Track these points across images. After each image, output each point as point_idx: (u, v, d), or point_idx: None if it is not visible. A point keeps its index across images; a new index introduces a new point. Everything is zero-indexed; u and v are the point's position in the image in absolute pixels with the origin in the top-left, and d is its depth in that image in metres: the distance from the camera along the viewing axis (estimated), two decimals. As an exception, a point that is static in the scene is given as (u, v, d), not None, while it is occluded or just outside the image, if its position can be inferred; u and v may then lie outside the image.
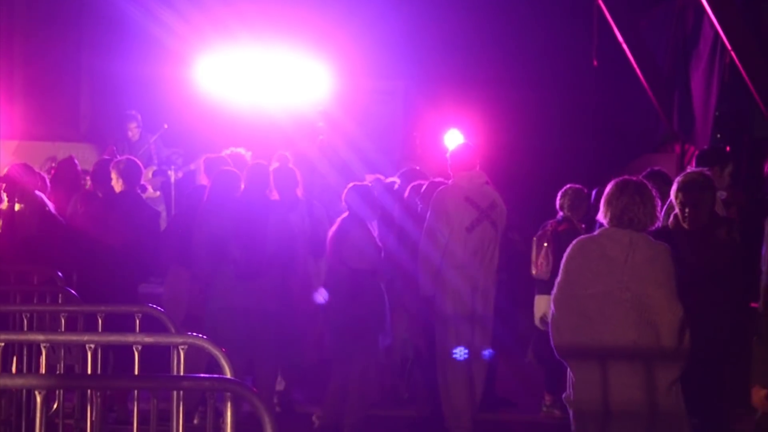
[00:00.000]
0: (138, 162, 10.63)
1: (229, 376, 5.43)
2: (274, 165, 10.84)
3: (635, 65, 15.44)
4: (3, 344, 5.65)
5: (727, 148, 14.10)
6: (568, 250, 7.22)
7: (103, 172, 10.75)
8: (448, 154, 10.14)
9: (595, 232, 7.31)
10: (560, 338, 7.12)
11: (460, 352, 9.66)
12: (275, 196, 10.02)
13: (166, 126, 15.36)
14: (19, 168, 10.50)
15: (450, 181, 9.93)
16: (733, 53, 13.51)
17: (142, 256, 10.22)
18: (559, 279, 7.19)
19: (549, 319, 7.23)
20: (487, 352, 9.85)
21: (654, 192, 7.19)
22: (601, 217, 7.23)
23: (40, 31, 17.41)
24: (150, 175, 14.65)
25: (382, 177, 11.13)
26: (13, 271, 9.44)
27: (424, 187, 10.24)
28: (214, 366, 5.61)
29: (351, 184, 10.07)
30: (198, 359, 9.42)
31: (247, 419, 5.64)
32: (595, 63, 15.87)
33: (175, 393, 5.78)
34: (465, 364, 9.72)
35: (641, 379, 6.99)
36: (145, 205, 10.68)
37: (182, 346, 5.76)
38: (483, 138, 14.34)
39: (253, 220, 9.37)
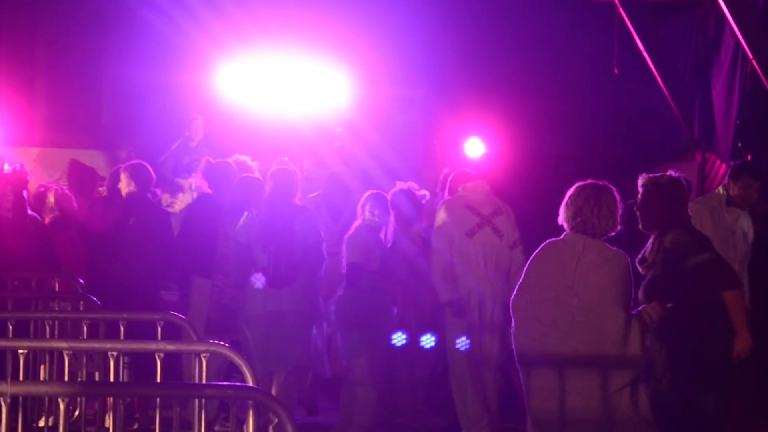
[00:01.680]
0: (148, 166, 10.65)
1: (251, 384, 5.44)
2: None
3: (656, 73, 15.40)
4: (26, 351, 5.68)
5: (749, 157, 14.09)
6: (534, 253, 7.22)
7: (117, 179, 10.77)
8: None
9: (560, 237, 7.29)
10: (515, 342, 7.13)
11: (461, 342, 9.63)
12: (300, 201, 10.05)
13: (187, 133, 15.40)
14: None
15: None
16: (754, 62, 13.47)
17: (158, 261, 10.24)
18: (519, 281, 7.19)
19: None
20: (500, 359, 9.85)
21: (616, 196, 7.15)
22: (561, 220, 7.23)
23: (61, 38, 17.46)
24: (192, 185, 14.56)
25: (414, 185, 11.11)
26: (35, 278, 9.48)
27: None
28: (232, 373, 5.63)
29: (368, 192, 10.11)
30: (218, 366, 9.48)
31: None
32: (616, 71, 15.83)
33: (197, 400, 5.80)
34: (477, 371, 9.72)
35: (588, 385, 6.98)
36: (157, 209, 10.70)
37: (204, 354, 5.78)
38: (503, 145, 14.35)
39: (279, 226, 9.39)
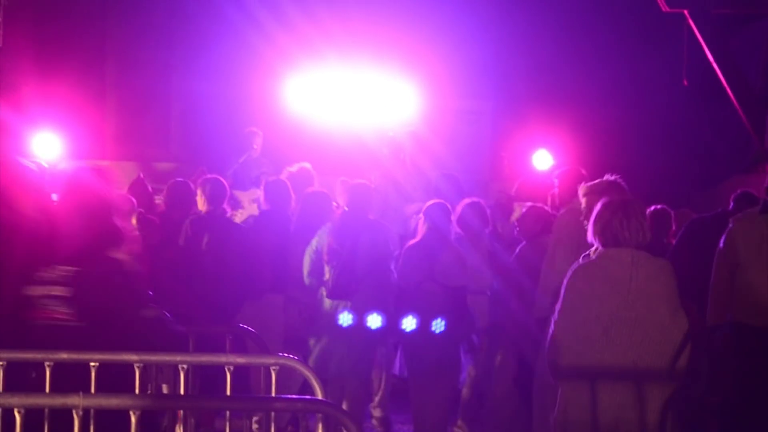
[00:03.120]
0: (223, 181, 10.65)
1: (320, 397, 5.44)
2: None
3: (726, 85, 15.26)
4: (97, 364, 5.71)
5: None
6: (569, 275, 7.14)
7: (177, 193, 10.73)
8: (556, 179, 10.02)
9: (593, 256, 7.22)
10: (560, 360, 7.04)
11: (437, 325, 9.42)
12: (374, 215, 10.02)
13: (255, 146, 15.44)
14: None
15: (566, 207, 9.69)
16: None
17: (232, 277, 10.22)
18: (560, 305, 7.11)
19: (548, 340, 7.16)
20: None
21: (642, 209, 7.14)
22: (590, 237, 7.18)
23: (131, 54, 17.63)
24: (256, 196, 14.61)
25: (480, 202, 11.05)
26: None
27: (524, 210, 10.16)
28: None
29: (431, 201, 10.05)
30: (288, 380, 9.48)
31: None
32: (686, 82, 15.71)
33: (267, 414, 5.80)
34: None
35: (636, 398, 6.93)
36: (231, 225, 10.68)
37: (274, 367, 5.78)
38: (571, 158, 14.26)
39: (346, 239, 9.39)
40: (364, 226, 9.52)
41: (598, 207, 7.17)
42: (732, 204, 9.99)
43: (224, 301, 10.09)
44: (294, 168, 11.63)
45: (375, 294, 9.47)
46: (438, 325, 9.50)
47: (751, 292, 8.69)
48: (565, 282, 7.13)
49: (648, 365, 6.90)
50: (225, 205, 10.54)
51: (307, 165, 11.56)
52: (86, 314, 5.72)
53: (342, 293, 9.37)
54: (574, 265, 7.19)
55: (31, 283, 5.74)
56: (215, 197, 10.33)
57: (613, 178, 8.25)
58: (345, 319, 9.41)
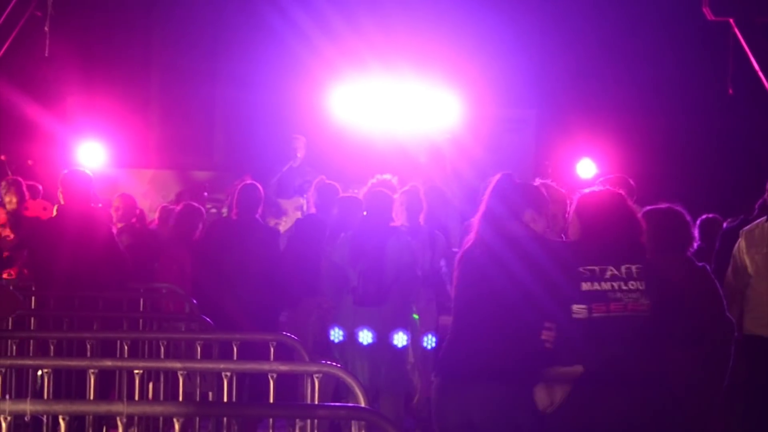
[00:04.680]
0: (259, 187, 10.70)
1: (363, 404, 5.43)
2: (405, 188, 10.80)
3: (771, 93, 15.15)
4: (142, 371, 5.74)
5: None
6: None
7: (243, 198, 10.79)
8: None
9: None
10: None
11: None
12: (398, 222, 9.96)
13: (298, 155, 15.46)
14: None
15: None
16: None
17: (268, 282, 10.26)
18: None
19: None
20: None
21: (687, 216, 7.15)
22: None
23: (175, 63, 17.73)
24: (303, 206, 14.61)
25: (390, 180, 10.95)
26: (146, 296, 9.59)
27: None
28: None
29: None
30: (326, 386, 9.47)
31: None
32: (731, 91, 15.60)
33: (309, 421, 5.81)
34: None
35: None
36: (266, 230, 10.70)
37: (317, 375, 5.78)
38: (616, 167, 14.18)
39: (370, 246, 9.34)
40: (387, 232, 9.46)
41: (645, 215, 7.18)
42: (756, 210, 9.94)
43: (264, 308, 10.14)
44: (375, 179, 11.45)
45: (400, 305, 9.38)
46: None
47: (759, 303, 8.73)
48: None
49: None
50: (259, 212, 10.58)
51: (388, 176, 11.29)
52: None
53: (371, 301, 9.30)
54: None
55: None
56: (250, 203, 10.43)
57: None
58: (365, 337, 9.35)
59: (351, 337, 9.30)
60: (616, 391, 6.12)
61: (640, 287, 6.16)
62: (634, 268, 6.20)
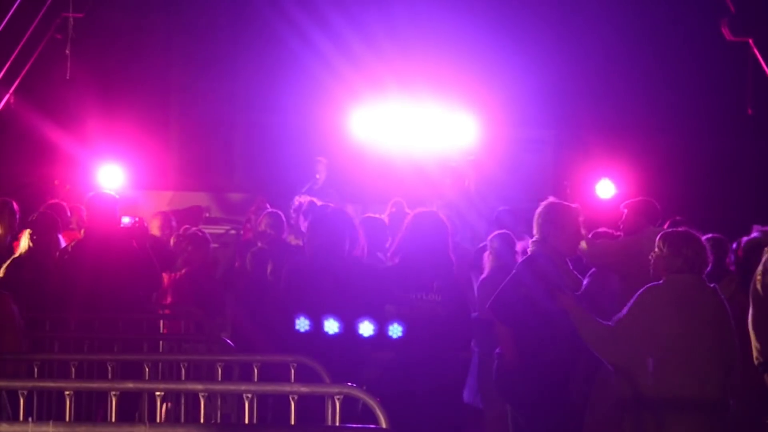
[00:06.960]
0: (281, 214, 10.78)
1: (384, 426, 5.42)
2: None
3: (791, 113, 15.16)
4: (163, 393, 5.75)
5: None
6: (638, 298, 7.25)
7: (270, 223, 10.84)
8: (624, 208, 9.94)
9: (664, 281, 7.30)
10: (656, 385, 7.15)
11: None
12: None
13: (318, 176, 15.48)
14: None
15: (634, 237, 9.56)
16: None
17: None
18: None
19: None
20: None
21: (700, 238, 7.35)
22: (655, 266, 7.21)
23: (195, 85, 17.80)
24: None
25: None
26: (164, 318, 9.62)
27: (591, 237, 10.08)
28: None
29: (496, 232, 9.96)
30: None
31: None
32: (750, 111, 15.60)
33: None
34: None
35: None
36: (292, 252, 10.74)
37: (338, 396, 5.77)
38: (635, 187, 14.18)
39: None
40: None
41: (659, 238, 7.29)
42: None
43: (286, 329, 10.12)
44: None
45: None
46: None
47: None
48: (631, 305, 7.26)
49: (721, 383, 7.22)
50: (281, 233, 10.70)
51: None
52: None
53: None
54: (643, 291, 7.29)
55: None
56: (276, 228, 10.54)
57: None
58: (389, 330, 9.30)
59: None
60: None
61: None
62: None
